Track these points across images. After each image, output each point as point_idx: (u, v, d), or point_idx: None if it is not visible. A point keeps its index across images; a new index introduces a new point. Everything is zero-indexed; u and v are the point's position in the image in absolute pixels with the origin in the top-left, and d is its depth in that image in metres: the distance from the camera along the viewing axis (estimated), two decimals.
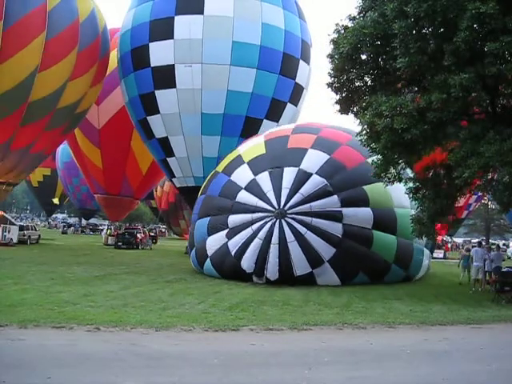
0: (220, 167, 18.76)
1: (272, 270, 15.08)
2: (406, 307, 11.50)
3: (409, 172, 15.40)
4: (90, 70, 26.24)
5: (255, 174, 16.42)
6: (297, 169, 15.93)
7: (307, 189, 15.49)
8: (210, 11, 25.44)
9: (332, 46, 14.50)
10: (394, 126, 12.39)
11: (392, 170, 14.27)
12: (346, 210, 15.37)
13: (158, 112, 26.50)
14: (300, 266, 14.94)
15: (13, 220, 31.22)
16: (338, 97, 14.94)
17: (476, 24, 11.84)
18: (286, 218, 15.19)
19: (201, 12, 25.39)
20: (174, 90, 25.74)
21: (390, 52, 13.42)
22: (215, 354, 6.95)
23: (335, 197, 15.43)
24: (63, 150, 45.21)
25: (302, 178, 15.71)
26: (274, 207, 15.42)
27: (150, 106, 26.59)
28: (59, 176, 51.28)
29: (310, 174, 15.77)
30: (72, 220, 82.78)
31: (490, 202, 47.05)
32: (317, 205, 15.32)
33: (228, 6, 25.61)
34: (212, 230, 16.72)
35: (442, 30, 12.76)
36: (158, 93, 26.13)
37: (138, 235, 34.32)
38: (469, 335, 8.85)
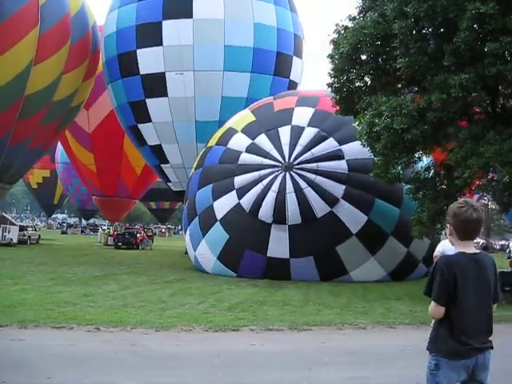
0: (212, 142, 19.43)
1: (294, 216, 15.96)
2: (406, 307, 11.50)
3: (409, 172, 15.39)
4: (82, 64, 26.22)
5: (252, 138, 17.50)
6: (289, 126, 17.16)
7: (304, 140, 16.69)
8: (200, 14, 24.53)
9: (332, 47, 14.50)
10: (394, 126, 12.38)
11: (392, 170, 14.27)
12: (344, 148, 16.54)
13: (149, 120, 25.87)
14: (319, 208, 15.96)
15: (13, 220, 31.23)
16: (337, 97, 14.94)
17: (476, 24, 11.84)
18: (294, 170, 16.32)
19: (189, 16, 24.50)
20: (165, 98, 25.11)
21: (390, 52, 13.43)
22: (215, 354, 6.94)
23: (331, 139, 16.65)
24: (63, 151, 45.23)
25: (297, 132, 16.92)
26: (280, 162, 16.54)
27: (140, 114, 25.93)
28: (59, 176, 51.23)
29: (303, 128, 16.98)
30: (72, 220, 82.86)
31: (489, 202, 47.07)
32: (317, 151, 16.52)
33: (218, 7, 24.67)
34: (217, 194, 17.19)
35: (442, 30, 12.78)
36: (149, 101, 25.51)
37: (138, 235, 34.36)
38: None
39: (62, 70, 24.75)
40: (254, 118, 18.49)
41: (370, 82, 14.53)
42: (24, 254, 22.24)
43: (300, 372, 6.29)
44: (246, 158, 17.10)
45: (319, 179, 16.14)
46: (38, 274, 15.01)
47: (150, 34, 24.87)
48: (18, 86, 23.39)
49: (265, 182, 16.42)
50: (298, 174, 16.22)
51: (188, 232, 19.08)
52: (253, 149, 17.18)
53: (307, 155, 16.41)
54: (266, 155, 16.79)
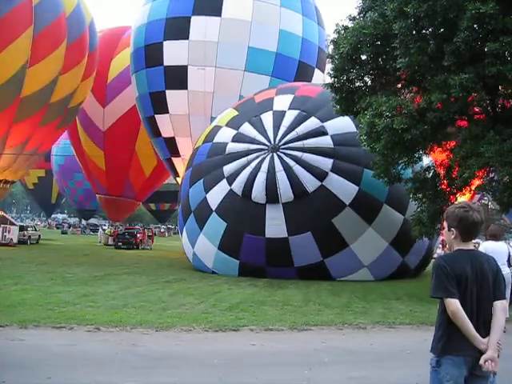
0: (198, 142, 19.93)
1: (286, 193, 16.28)
2: (406, 307, 11.50)
3: (409, 172, 15.43)
4: (79, 64, 26.15)
5: (237, 128, 17.96)
6: (271, 112, 17.71)
7: (287, 121, 17.16)
8: (228, 14, 25.11)
9: (332, 47, 14.51)
10: (394, 126, 12.39)
11: (392, 170, 14.27)
12: (327, 124, 16.92)
13: (167, 111, 26.32)
14: (310, 183, 16.34)
15: (13, 220, 31.22)
16: (337, 97, 14.95)
17: (476, 24, 11.84)
18: (281, 150, 16.71)
19: (218, 14, 25.07)
20: (185, 91, 25.54)
21: (389, 52, 13.43)
22: (215, 354, 6.95)
23: (313, 118, 16.98)
24: (57, 153, 45.18)
25: (279, 116, 17.41)
26: (266, 145, 16.97)
27: (159, 104, 26.41)
28: (55, 179, 51.24)
29: (284, 112, 17.50)
30: (72, 220, 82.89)
31: (489, 202, 47.09)
32: (301, 130, 16.92)
33: (247, 9, 25.22)
34: (209, 186, 17.52)
35: (442, 30, 12.78)
36: (168, 92, 25.97)
37: (138, 235, 34.38)
38: None
39: (59, 71, 24.69)
40: (237, 113, 19.05)
41: (370, 82, 14.54)
42: (24, 254, 22.23)
43: (300, 372, 6.28)
44: (233, 147, 17.51)
45: (306, 156, 16.47)
46: (38, 274, 15.00)
47: (178, 28, 25.39)
48: (13, 87, 23.27)
49: (253, 164, 16.78)
50: (285, 154, 16.60)
51: (184, 231, 19.16)
52: (238, 137, 17.65)
53: (292, 135, 16.84)
54: (252, 141, 17.21)
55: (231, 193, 16.96)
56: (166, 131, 26.94)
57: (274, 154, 16.65)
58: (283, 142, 16.77)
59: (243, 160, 16.97)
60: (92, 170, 36.34)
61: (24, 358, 6.34)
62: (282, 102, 17.99)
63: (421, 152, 14.46)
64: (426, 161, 16.01)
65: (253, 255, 16.65)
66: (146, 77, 26.73)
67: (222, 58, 24.99)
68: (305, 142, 16.67)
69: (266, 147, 16.86)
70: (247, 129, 17.64)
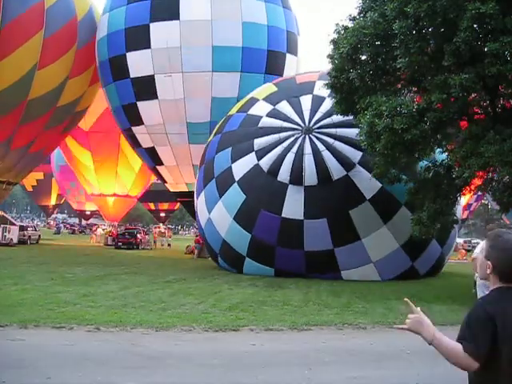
0: (233, 110, 20.09)
1: (310, 177, 16.58)
2: (406, 307, 11.46)
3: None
4: (88, 69, 26.14)
5: (274, 104, 18.24)
6: (311, 95, 17.96)
7: (325, 108, 17.34)
8: (187, 16, 24.22)
9: (332, 47, 14.52)
10: (394, 126, 12.39)
11: (392, 170, 14.28)
12: None
13: (142, 123, 25.81)
14: (336, 170, 16.64)
15: (13, 220, 31.23)
16: (337, 97, 14.95)
17: (476, 24, 11.84)
18: (314, 133, 17.05)
19: (176, 17, 24.22)
20: (156, 101, 24.97)
21: (389, 52, 13.43)
22: (215, 354, 6.95)
23: None
24: (58, 153, 45.17)
25: (318, 101, 17.65)
26: (300, 125, 17.29)
27: (133, 117, 25.89)
28: (56, 179, 51.19)
29: (324, 98, 17.45)
30: (72, 220, 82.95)
31: (489, 202, 47.14)
32: (337, 118, 16.92)
33: (205, 8, 24.26)
34: (236, 156, 17.73)
35: (442, 30, 12.78)
36: (140, 104, 25.41)
37: (138, 235, 34.41)
38: None
39: (67, 75, 24.66)
40: (276, 89, 19.36)
41: (369, 82, 14.53)
42: (24, 254, 22.23)
43: (300, 372, 6.29)
44: (267, 122, 17.85)
45: (337, 144, 16.81)
46: (38, 274, 15.00)
47: (139, 37, 24.68)
48: (21, 89, 23.28)
49: (285, 144, 17.10)
50: (317, 138, 16.95)
51: (202, 194, 19.13)
52: (274, 113, 17.97)
53: (327, 121, 17.16)
54: (287, 119, 17.52)
55: (257, 167, 17.23)
56: (145, 142, 26.52)
57: (307, 136, 17.00)
58: (318, 125, 17.14)
59: (275, 137, 17.28)
60: (82, 170, 36.60)
61: (24, 358, 6.34)
62: (322, 87, 18.19)
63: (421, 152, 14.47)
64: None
65: (265, 232, 16.85)
66: (116, 90, 26.12)
67: (187, 63, 24.26)
68: (338, 130, 16.98)
69: (300, 128, 17.22)
70: (284, 107, 17.94)
